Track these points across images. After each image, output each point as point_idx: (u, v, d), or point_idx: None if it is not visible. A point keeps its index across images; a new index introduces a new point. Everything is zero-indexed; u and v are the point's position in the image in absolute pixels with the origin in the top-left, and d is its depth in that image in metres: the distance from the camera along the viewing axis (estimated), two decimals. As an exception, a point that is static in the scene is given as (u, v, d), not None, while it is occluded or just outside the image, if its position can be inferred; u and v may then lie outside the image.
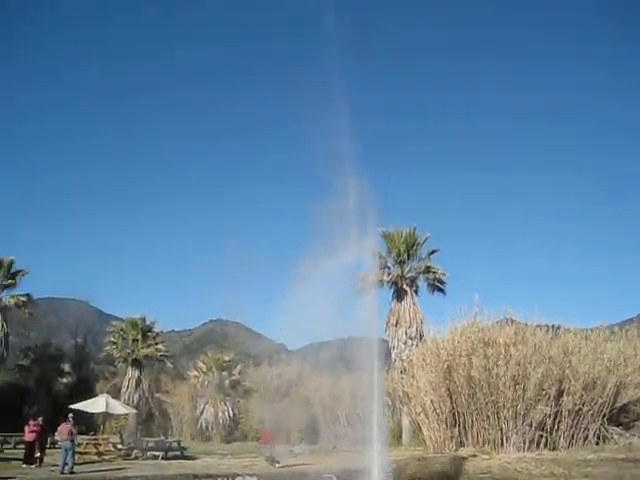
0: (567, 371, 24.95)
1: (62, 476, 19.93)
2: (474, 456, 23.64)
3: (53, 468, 21.01)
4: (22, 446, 24.36)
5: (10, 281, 40.30)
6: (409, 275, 33.02)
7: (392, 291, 33.08)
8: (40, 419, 23.94)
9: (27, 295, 40.94)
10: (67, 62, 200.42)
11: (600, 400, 24.90)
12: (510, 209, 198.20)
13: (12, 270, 40.54)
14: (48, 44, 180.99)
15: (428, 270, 32.80)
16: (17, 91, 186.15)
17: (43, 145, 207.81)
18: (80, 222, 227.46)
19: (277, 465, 23.56)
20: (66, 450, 20.73)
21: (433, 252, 33.25)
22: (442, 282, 32.94)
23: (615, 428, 25.21)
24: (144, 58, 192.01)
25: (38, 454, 22.79)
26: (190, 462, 26.23)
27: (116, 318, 52.31)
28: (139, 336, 44.14)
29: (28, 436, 22.88)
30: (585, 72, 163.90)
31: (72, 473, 20.25)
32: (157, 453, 27.69)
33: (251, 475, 19.74)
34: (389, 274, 32.76)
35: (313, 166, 16.73)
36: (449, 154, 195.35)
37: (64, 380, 46.34)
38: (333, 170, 15.97)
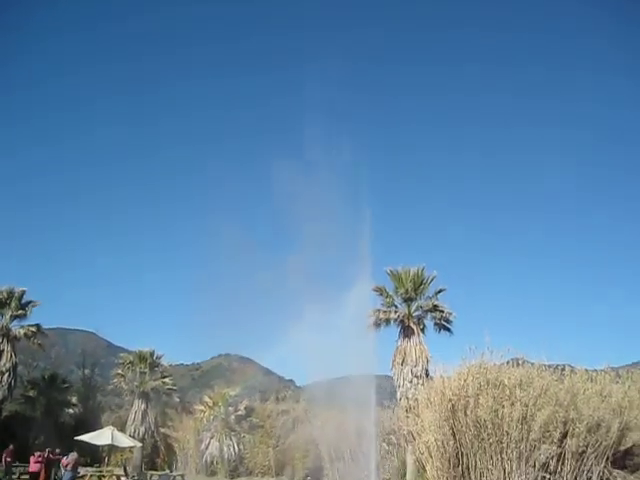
0: (572, 413, 24.85)
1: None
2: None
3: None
4: (26, 477, 24.45)
5: (21, 312, 40.50)
6: (416, 314, 32.98)
7: (399, 329, 33.08)
8: (47, 450, 24.09)
9: (37, 326, 41.11)
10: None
11: (604, 443, 24.68)
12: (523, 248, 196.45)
13: (23, 301, 40.87)
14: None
15: (435, 309, 32.80)
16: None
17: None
18: (92, 253, 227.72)
19: None
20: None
21: (440, 291, 33.21)
22: (449, 321, 32.78)
23: (619, 471, 24.88)
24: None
25: (43, 485, 22.98)
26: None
27: (125, 350, 52.43)
28: (147, 369, 44.28)
29: (33, 467, 23.02)
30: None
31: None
32: (161, 486, 27.81)
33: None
34: (396, 312, 32.84)
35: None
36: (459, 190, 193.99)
37: (70, 411, 46.37)
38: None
